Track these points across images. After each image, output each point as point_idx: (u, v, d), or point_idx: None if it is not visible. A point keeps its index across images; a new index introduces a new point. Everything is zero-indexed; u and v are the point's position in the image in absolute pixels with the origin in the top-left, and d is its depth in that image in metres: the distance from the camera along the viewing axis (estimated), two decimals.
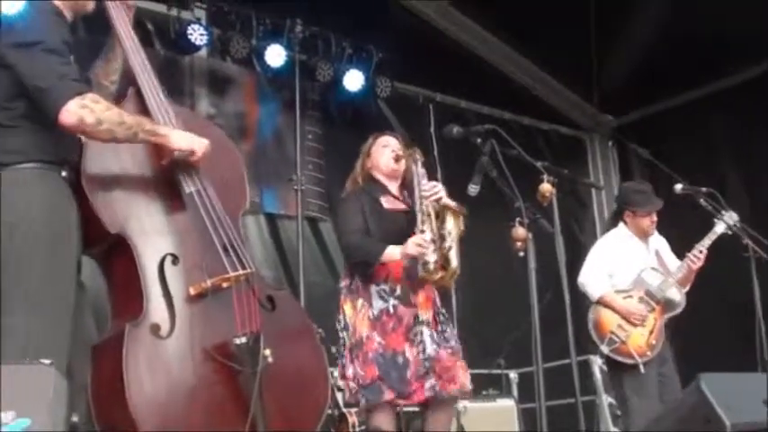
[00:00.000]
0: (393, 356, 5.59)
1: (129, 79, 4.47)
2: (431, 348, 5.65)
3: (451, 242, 5.65)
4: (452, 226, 5.67)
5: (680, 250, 7.42)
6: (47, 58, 3.91)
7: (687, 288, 7.35)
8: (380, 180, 6.08)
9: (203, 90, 8.88)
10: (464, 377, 5.75)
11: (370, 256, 5.75)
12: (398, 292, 5.72)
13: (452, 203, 5.76)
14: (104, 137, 3.98)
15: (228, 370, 3.97)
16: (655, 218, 7.37)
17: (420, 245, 5.56)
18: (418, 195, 5.77)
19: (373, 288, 5.75)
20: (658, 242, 7.52)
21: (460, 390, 5.72)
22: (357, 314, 5.73)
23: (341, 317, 5.81)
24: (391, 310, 5.70)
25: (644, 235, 7.42)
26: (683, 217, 7.62)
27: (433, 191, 5.76)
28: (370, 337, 5.63)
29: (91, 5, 4.36)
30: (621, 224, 7.53)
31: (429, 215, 5.68)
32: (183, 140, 4.17)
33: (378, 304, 5.71)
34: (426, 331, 5.70)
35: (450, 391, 5.65)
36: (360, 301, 5.75)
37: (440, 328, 5.80)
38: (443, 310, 5.98)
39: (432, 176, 6.11)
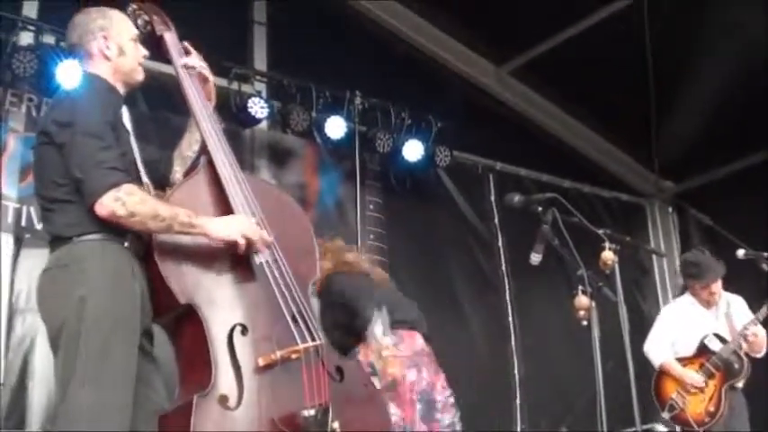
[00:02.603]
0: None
1: (201, 148, 4.54)
2: None
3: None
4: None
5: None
6: (85, 142, 3.95)
7: (762, 353, 7.38)
8: None
9: (264, 162, 8.92)
10: None
11: None
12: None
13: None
14: (137, 228, 4.01)
15: None
16: (714, 289, 7.44)
17: None
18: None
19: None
20: (732, 305, 7.54)
21: None
22: (386, 353, 5.84)
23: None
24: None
25: (707, 303, 7.46)
26: (747, 282, 7.59)
27: None
28: (405, 375, 5.72)
29: (140, 76, 4.45)
30: (688, 293, 7.61)
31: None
32: (223, 231, 4.14)
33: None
34: None
35: None
36: (387, 341, 5.96)
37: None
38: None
39: (493, 245, 6.18)
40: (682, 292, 7.92)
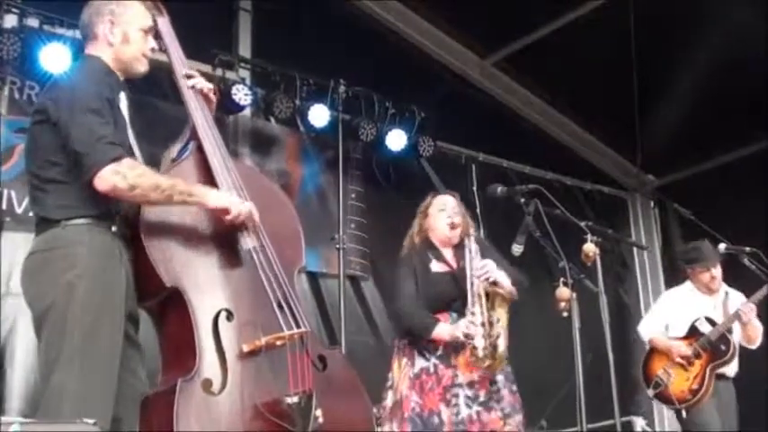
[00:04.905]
0: (429, 417, 5.58)
1: (191, 134, 4.51)
2: (466, 412, 5.61)
3: (500, 329, 5.65)
4: (502, 312, 5.68)
5: None
6: (85, 117, 3.94)
7: (756, 345, 7.43)
8: (435, 243, 6.10)
9: (246, 150, 8.91)
10: None
11: (421, 330, 5.76)
12: (440, 351, 5.73)
13: (503, 288, 5.71)
14: (138, 201, 4.02)
15: (279, 429, 3.94)
16: (715, 273, 7.45)
17: (469, 332, 5.58)
18: (470, 275, 5.76)
19: (416, 347, 5.79)
20: (731, 296, 7.57)
21: None
22: (401, 373, 5.77)
23: (390, 375, 5.85)
24: (431, 369, 5.70)
25: (708, 290, 7.49)
26: (729, 275, 7.62)
27: (483, 270, 5.75)
28: (408, 396, 5.63)
29: (143, 68, 4.40)
30: (688, 280, 7.71)
31: (480, 296, 5.67)
32: (220, 200, 4.16)
33: (419, 363, 5.73)
34: (463, 393, 5.68)
35: None
36: (404, 360, 5.79)
37: (492, 389, 5.76)
38: (508, 369, 5.93)
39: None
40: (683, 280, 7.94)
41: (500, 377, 5.77)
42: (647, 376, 7.52)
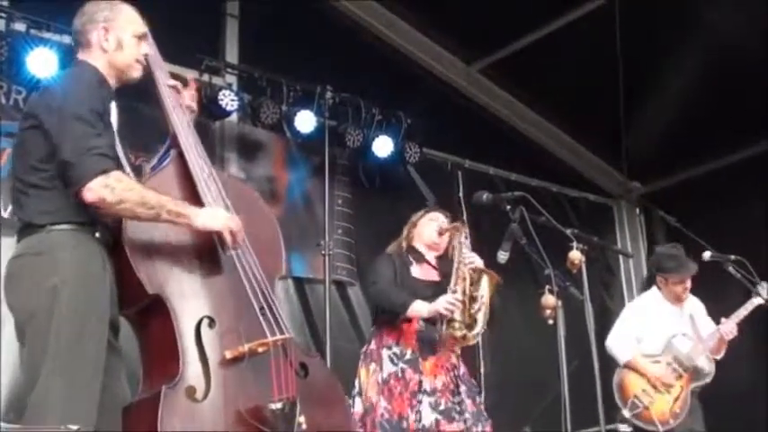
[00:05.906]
0: (398, 422, 5.62)
1: (171, 141, 4.49)
2: (428, 419, 5.66)
3: (482, 305, 5.73)
4: (486, 289, 5.76)
5: (711, 317, 7.45)
6: (76, 127, 3.92)
7: (721, 356, 7.34)
8: (419, 249, 6.17)
9: (233, 155, 8.91)
10: None
11: (397, 305, 5.86)
12: (408, 356, 5.78)
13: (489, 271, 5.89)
14: (125, 215, 3.99)
15: None
16: (688, 284, 7.36)
17: (451, 303, 5.64)
18: (457, 260, 5.85)
19: (385, 352, 5.85)
20: (694, 307, 7.50)
21: None
22: (369, 379, 5.81)
23: (356, 382, 5.88)
24: (399, 374, 5.76)
25: (677, 300, 7.41)
26: (713, 284, 7.60)
27: (471, 258, 5.86)
28: (377, 402, 5.66)
29: (136, 74, 4.39)
30: (654, 288, 7.55)
31: (464, 279, 5.77)
32: (208, 221, 4.14)
33: (388, 368, 5.81)
34: (427, 400, 5.72)
35: None
36: (372, 366, 5.85)
37: (455, 399, 5.80)
38: (473, 381, 6.00)
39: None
40: (647, 288, 7.85)
41: (463, 388, 5.83)
42: (622, 395, 7.30)
